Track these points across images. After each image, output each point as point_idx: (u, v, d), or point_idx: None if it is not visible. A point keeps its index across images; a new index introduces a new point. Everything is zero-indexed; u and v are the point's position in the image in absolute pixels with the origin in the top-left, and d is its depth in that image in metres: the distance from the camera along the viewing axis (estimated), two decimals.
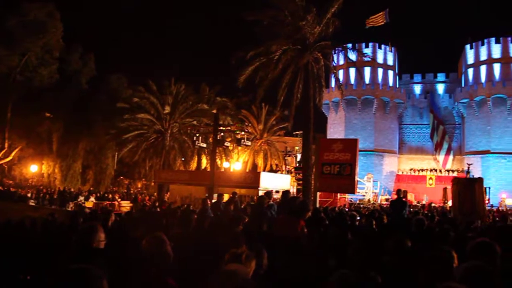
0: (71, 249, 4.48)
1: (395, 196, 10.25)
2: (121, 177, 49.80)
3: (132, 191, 43.76)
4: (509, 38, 50.13)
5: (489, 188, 30.91)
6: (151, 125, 35.10)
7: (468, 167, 28.04)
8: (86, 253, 4.06)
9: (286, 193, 9.60)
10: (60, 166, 42.24)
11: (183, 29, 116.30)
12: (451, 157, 52.66)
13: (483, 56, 51.04)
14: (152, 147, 35.76)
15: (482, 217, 11.65)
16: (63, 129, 41.79)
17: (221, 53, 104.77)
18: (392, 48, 55.01)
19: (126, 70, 68.65)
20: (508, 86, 47.98)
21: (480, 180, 12.87)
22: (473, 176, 33.75)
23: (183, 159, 37.38)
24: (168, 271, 3.70)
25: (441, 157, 52.94)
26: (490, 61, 50.45)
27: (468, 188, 11.86)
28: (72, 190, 37.45)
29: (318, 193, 21.24)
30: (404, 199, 10.37)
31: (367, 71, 51.86)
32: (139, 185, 49.78)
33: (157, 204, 23.25)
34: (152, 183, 39.65)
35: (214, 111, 29.48)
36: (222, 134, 23.38)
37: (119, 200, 32.85)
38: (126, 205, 29.41)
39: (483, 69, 50.74)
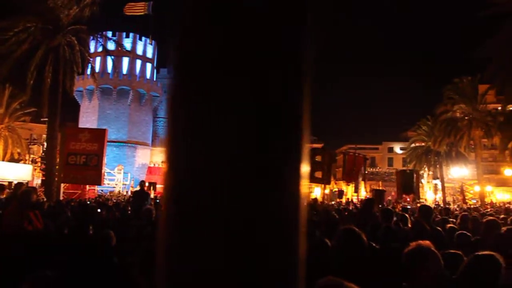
0: None
1: (139, 188, 10.59)
2: None
3: None
4: None
5: None
6: None
7: None
8: None
9: (18, 185, 8.99)
10: None
11: None
12: None
13: None
14: None
15: None
16: None
17: None
18: (153, 41, 55.85)
19: None
20: None
21: None
22: None
23: None
24: None
25: None
26: None
27: None
28: None
29: (64, 185, 20.31)
30: (147, 191, 10.77)
31: (125, 61, 51.52)
32: None
33: None
34: None
35: None
36: None
37: None
38: None
39: None
